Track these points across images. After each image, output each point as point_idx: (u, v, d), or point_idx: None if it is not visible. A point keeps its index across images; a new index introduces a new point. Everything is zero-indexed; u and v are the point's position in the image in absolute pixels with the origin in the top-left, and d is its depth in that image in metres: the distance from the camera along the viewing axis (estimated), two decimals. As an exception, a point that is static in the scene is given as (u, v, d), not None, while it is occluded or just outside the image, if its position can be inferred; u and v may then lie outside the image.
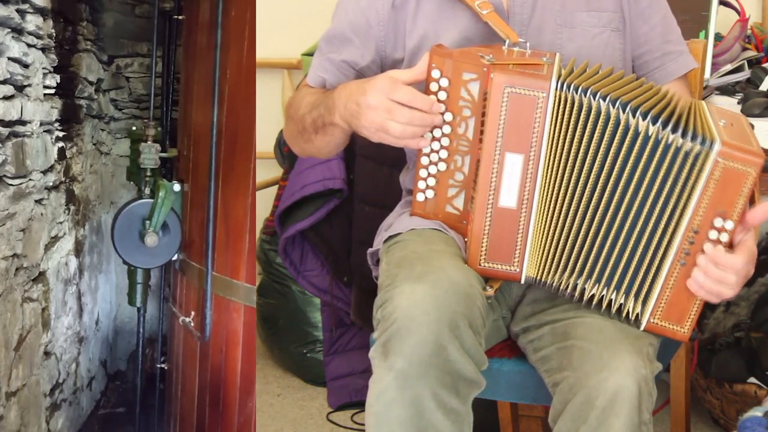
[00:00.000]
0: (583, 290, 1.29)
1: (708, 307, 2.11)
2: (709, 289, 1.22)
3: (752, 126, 1.32)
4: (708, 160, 1.18)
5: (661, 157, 1.21)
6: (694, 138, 1.19)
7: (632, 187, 1.24)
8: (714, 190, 1.19)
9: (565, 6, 1.42)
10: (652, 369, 1.22)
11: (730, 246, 1.21)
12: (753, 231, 1.23)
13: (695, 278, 1.22)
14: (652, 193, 1.23)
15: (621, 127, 1.22)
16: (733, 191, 1.18)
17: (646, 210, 1.24)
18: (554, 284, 1.30)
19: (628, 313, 1.27)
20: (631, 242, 1.25)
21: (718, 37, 2.21)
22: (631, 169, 1.23)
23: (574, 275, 1.29)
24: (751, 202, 1.22)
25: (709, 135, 1.19)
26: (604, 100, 1.22)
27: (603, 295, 1.28)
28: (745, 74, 2.10)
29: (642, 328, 1.27)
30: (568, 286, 1.30)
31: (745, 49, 2.22)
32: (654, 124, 1.21)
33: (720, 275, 1.20)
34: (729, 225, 1.20)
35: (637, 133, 1.22)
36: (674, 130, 1.20)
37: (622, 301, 1.28)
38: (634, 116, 1.21)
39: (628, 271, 1.27)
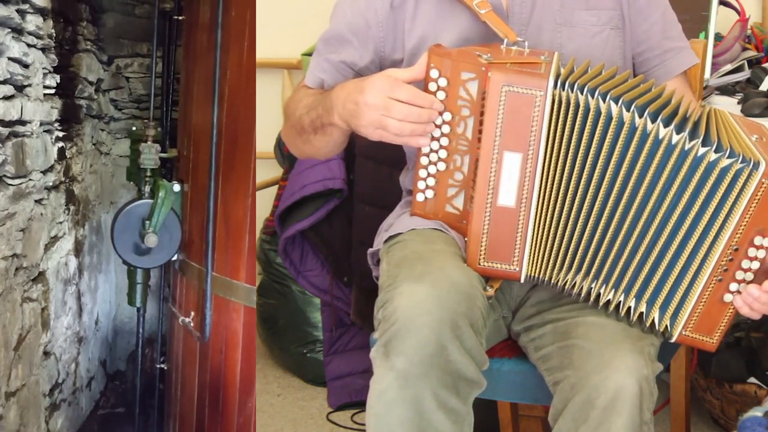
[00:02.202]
0: (593, 292, 1.28)
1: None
2: (759, 311, 1.24)
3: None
4: (752, 181, 1.18)
5: (693, 170, 1.20)
6: (738, 158, 1.18)
7: (651, 192, 1.23)
8: (756, 209, 1.19)
9: (564, 5, 1.42)
10: (654, 369, 1.22)
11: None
12: None
13: (747, 304, 1.23)
14: (681, 205, 1.22)
15: (614, 123, 1.22)
16: None
17: (672, 221, 1.23)
18: (555, 283, 1.30)
19: (653, 322, 1.27)
20: (655, 252, 1.25)
21: (718, 37, 2.21)
22: (653, 175, 1.22)
23: (582, 275, 1.29)
24: None
25: (751, 155, 1.18)
26: (603, 98, 1.22)
27: (620, 302, 1.28)
28: (745, 74, 2.10)
29: (673, 340, 1.28)
30: (574, 285, 1.29)
31: (745, 49, 2.22)
32: (656, 122, 1.20)
33: None
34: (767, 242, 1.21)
35: (639, 132, 1.21)
36: (704, 144, 1.19)
37: (643, 309, 1.27)
38: (628, 111, 1.21)
39: (651, 280, 1.26)
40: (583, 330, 1.25)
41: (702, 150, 1.20)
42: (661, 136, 1.21)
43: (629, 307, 1.28)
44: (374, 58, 1.46)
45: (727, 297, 1.25)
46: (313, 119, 1.40)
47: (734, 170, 1.18)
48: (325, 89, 1.45)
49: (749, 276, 1.23)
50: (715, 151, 1.19)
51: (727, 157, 1.19)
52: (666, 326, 1.27)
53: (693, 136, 1.21)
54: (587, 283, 1.29)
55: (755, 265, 1.23)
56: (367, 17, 1.44)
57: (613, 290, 1.28)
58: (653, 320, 1.27)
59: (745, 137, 1.23)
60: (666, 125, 1.21)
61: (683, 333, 1.27)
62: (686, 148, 1.20)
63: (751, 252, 1.22)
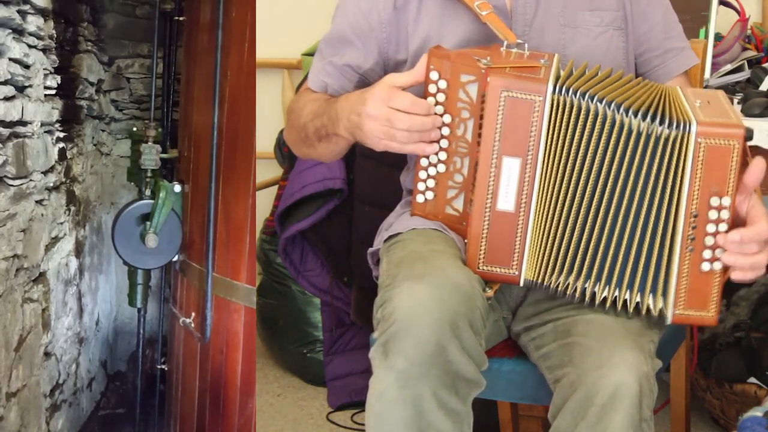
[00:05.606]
0: (591, 292, 1.28)
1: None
2: (749, 268, 1.21)
3: (731, 100, 1.32)
4: (689, 143, 1.19)
5: (652, 149, 1.22)
6: (671, 124, 1.20)
7: (627, 185, 1.24)
8: (703, 170, 1.19)
9: (567, 6, 1.42)
10: (653, 366, 1.21)
11: (733, 221, 1.21)
12: (756, 193, 1.23)
13: (733, 265, 1.21)
14: (649, 188, 1.23)
15: (616, 128, 1.22)
16: (722, 167, 1.19)
17: (645, 205, 1.24)
18: (555, 287, 1.30)
19: (648, 309, 1.27)
20: (636, 240, 1.25)
21: (718, 37, 2.22)
22: (627, 167, 1.23)
23: (573, 277, 1.29)
24: (744, 165, 1.21)
25: (685, 118, 1.20)
26: (601, 102, 1.22)
27: (616, 296, 1.28)
28: (745, 74, 2.10)
29: (668, 321, 1.26)
30: (567, 287, 1.29)
31: (745, 49, 2.22)
32: (636, 117, 1.21)
33: (748, 249, 1.19)
34: (726, 201, 1.20)
35: (630, 132, 1.22)
36: (660, 122, 1.21)
37: (638, 299, 1.27)
38: (627, 116, 1.22)
39: (638, 268, 1.26)
40: (583, 327, 1.25)
41: (655, 127, 1.20)
42: (643, 131, 1.21)
43: (625, 300, 1.28)
44: (378, 59, 1.46)
45: (705, 266, 1.23)
46: (318, 128, 1.40)
47: (664, 136, 1.20)
48: (330, 93, 1.46)
49: (721, 239, 1.21)
50: (660, 124, 1.20)
51: (659, 124, 1.20)
52: (660, 309, 1.27)
53: (666, 122, 1.22)
54: (580, 283, 1.28)
55: (722, 227, 1.21)
56: (369, 19, 1.44)
57: (607, 286, 1.28)
58: (648, 307, 1.27)
59: (686, 104, 1.24)
60: (647, 119, 1.21)
61: (677, 312, 1.26)
62: (665, 135, 1.21)
63: (712, 214, 1.21)
